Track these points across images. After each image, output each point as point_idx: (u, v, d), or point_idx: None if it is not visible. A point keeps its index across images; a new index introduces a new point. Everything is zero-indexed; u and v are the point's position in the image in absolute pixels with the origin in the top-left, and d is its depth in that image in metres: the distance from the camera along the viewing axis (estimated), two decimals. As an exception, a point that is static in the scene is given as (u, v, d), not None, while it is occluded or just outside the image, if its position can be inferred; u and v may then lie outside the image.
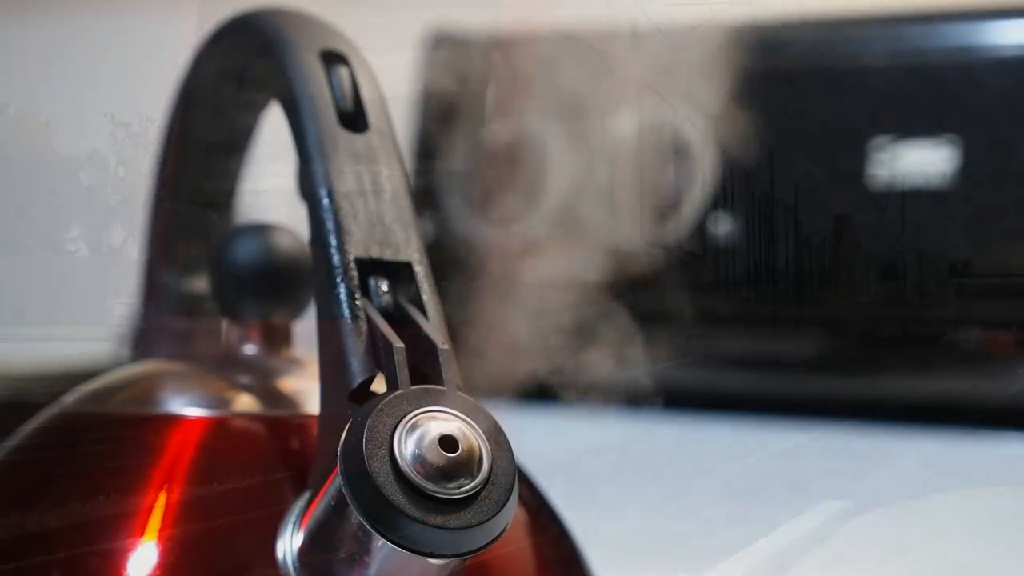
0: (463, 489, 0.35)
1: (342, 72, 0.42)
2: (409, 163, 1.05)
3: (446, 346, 0.38)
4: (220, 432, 0.43)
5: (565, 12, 1.00)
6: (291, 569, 0.39)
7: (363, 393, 0.38)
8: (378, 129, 0.42)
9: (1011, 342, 0.86)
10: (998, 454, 0.84)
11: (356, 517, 0.35)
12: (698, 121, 0.93)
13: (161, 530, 0.40)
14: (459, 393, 0.37)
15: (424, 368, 0.38)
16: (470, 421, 0.36)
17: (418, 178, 1.01)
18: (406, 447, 0.35)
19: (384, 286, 0.40)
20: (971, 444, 0.84)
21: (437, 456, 0.35)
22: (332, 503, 0.36)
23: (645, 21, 0.96)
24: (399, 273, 0.40)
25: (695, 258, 0.92)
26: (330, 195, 0.40)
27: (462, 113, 1.00)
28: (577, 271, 0.95)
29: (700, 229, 0.92)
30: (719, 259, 0.91)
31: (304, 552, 0.38)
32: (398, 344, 0.38)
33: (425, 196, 1.00)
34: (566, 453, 0.82)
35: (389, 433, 0.35)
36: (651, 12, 0.96)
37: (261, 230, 0.47)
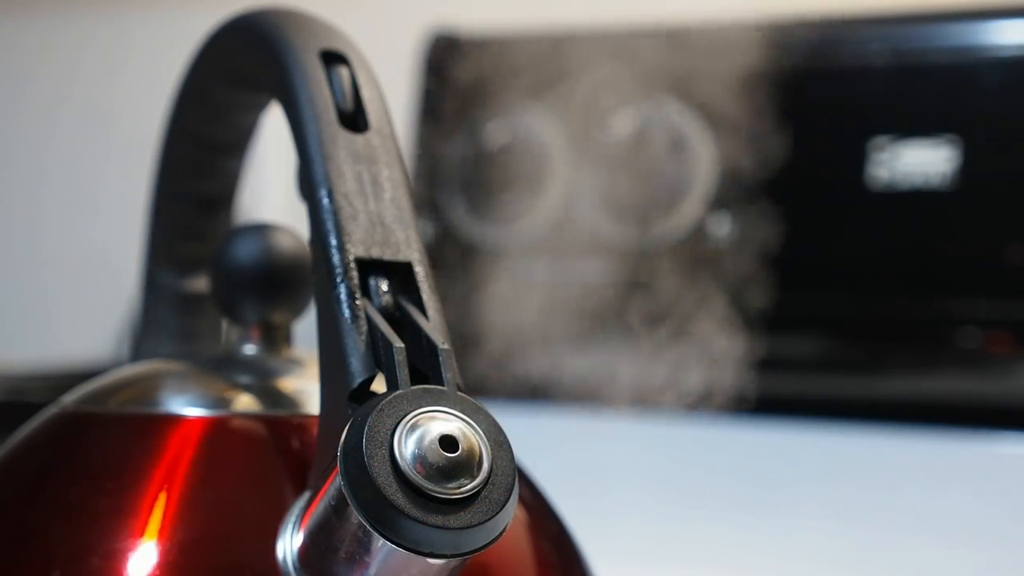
0: (463, 489, 0.35)
1: (342, 72, 0.42)
2: (409, 163, 1.05)
3: (446, 346, 0.38)
4: (220, 432, 0.43)
5: (565, 11, 1.00)
6: (291, 569, 0.39)
7: (363, 393, 0.38)
8: (378, 129, 0.42)
9: (1011, 342, 0.86)
10: (998, 454, 0.84)
11: (356, 517, 0.35)
12: (699, 120, 0.93)
13: (161, 530, 0.40)
14: (459, 393, 0.37)
15: (424, 368, 0.38)
16: (470, 421, 0.36)
17: (418, 178, 1.01)
18: (406, 447, 0.35)
19: (384, 286, 0.40)
20: (971, 444, 0.84)
21: (437, 456, 0.35)
22: (332, 503, 0.36)
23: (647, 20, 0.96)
24: (399, 273, 0.40)
25: (693, 257, 0.91)
26: (330, 195, 0.40)
27: (462, 113, 1.00)
28: (577, 271, 0.95)
29: (700, 228, 0.92)
30: (718, 258, 0.91)
31: (304, 552, 0.38)
32: (398, 344, 0.38)
33: (425, 196, 1.00)
34: (566, 453, 0.82)
35: (389, 433, 0.35)
36: (652, 11, 0.96)
37: (261, 230, 0.47)
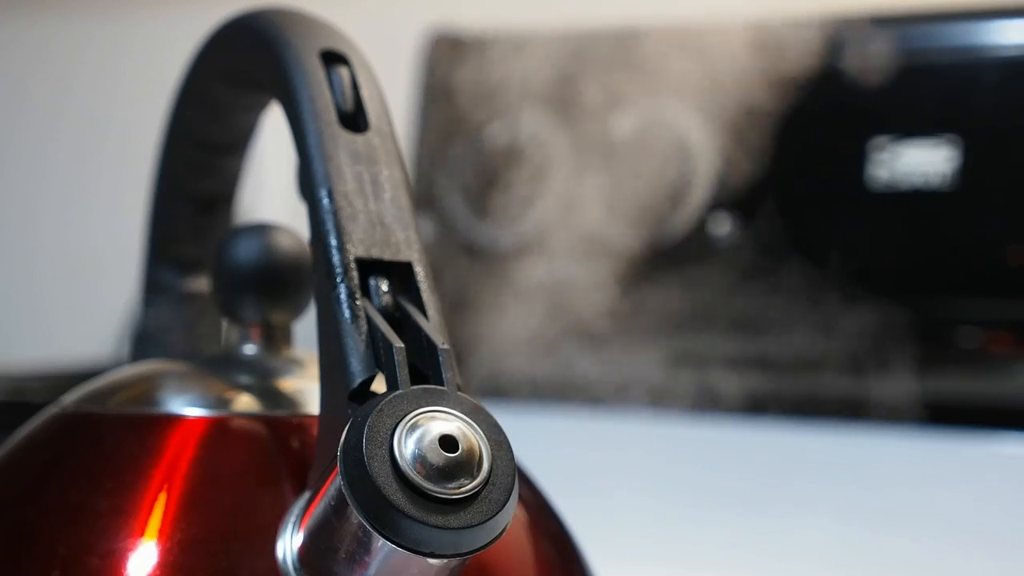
0: (463, 489, 0.35)
1: (342, 72, 0.42)
2: (409, 163, 1.05)
3: (446, 346, 0.38)
4: (220, 432, 0.43)
5: (566, 11, 1.00)
6: (291, 569, 0.39)
7: (363, 393, 0.38)
8: (378, 129, 0.42)
9: (1011, 342, 0.86)
10: (998, 454, 0.84)
11: (356, 517, 0.35)
12: (700, 120, 0.93)
13: (161, 530, 0.40)
14: (459, 393, 0.37)
15: (424, 368, 0.38)
16: (470, 421, 0.36)
17: (418, 178, 1.01)
18: (406, 447, 0.35)
19: (384, 286, 0.40)
20: (971, 444, 0.84)
21: (437, 456, 0.35)
22: (332, 503, 0.36)
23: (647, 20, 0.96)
24: (399, 273, 0.40)
25: (693, 257, 0.91)
26: (330, 195, 0.40)
27: (462, 113, 1.00)
28: (577, 272, 0.95)
29: (700, 228, 0.92)
30: (718, 258, 0.91)
31: (304, 552, 0.38)
32: (398, 344, 0.38)
33: (425, 196, 1.00)
34: (566, 453, 0.82)
35: (389, 433, 0.35)
36: (653, 11, 0.96)
37: (261, 230, 0.47)
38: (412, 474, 0.35)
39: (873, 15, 0.93)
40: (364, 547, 0.36)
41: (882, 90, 0.90)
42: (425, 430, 0.35)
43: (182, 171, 0.53)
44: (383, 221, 0.40)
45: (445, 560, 0.35)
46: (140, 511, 0.41)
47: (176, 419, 0.43)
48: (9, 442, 0.46)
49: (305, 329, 0.45)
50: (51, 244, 1.29)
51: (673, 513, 0.85)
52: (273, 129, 0.50)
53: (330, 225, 0.40)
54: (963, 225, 0.88)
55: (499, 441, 0.36)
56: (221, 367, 0.46)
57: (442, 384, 0.38)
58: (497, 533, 0.36)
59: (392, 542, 0.35)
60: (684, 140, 0.93)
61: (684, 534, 0.83)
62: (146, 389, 0.46)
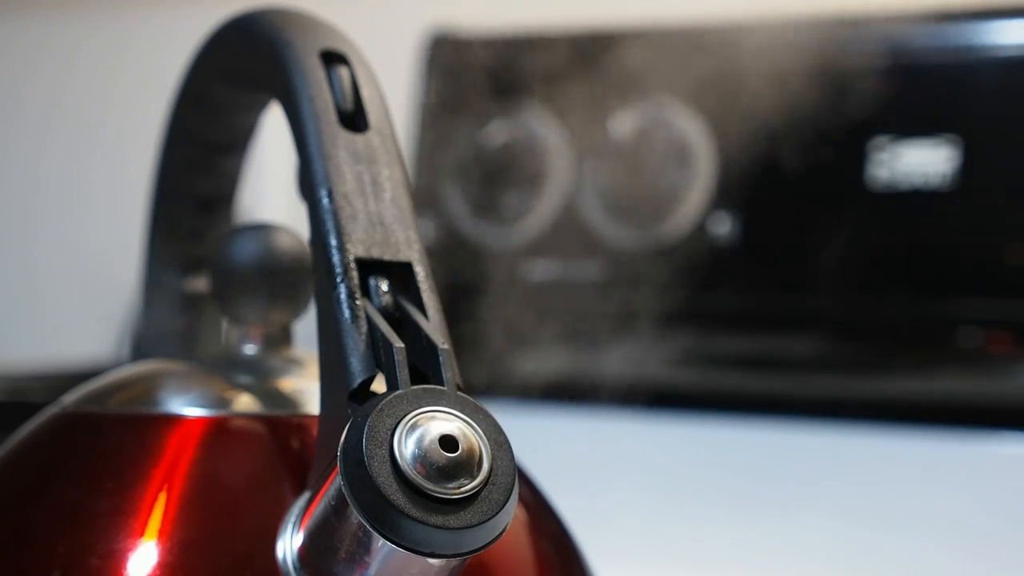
0: (463, 489, 0.35)
1: (342, 72, 0.42)
2: (409, 163, 1.05)
3: (446, 346, 0.38)
4: (220, 432, 0.43)
5: (566, 11, 1.00)
6: (291, 569, 0.39)
7: (363, 393, 0.38)
8: (378, 129, 0.42)
9: (1011, 342, 0.86)
10: (998, 454, 0.84)
11: (356, 517, 0.35)
12: (699, 120, 0.93)
13: (161, 530, 0.40)
14: (459, 393, 0.37)
15: (424, 368, 0.38)
16: (470, 421, 0.36)
17: (418, 178, 1.01)
18: (406, 447, 0.35)
19: (384, 286, 0.40)
20: (971, 444, 0.84)
21: (437, 456, 0.35)
22: (332, 503, 0.36)
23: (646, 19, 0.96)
24: (399, 273, 0.40)
25: (693, 257, 0.91)
26: (330, 195, 0.40)
27: (462, 113, 1.00)
28: (577, 271, 0.95)
29: (699, 228, 0.92)
30: (718, 258, 0.91)
31: (304, 552, 0.38)
32: (398, 344, 0.38)
33: (426, 196, 1.00)
34: (565, 452, 0.82)
35: (389, 433, 0.35)
36: (652, 11, 0.96)
37: (261, 230, 0.47)
38: (412, 474, 0.35)
39: (873, 15, 0.93)
40: (364, 547, 0.36)
41: (882, 90, 0.90)
42: (425, 430, 0.35)
43: (182, 171, 0.53)
44: (383, 221, 0.40)
45: (445, 560, 0.35)
46: (140, 511, 0.41)
47: (176, 419, 0.43)
48: (9, 442, 0.46)
49: (305, 329, 0.45)
50: (51, 244, 1.29)
51: (673, 513, 0.85)
52: (273, 129, 0.50)
53: (330, 225, 0.40)
54: (963, 225, 0.88)
55: (499, 441, 0.36)
56: (221, 367, 0.46)
57: (442, 384, 0.38)
58: (497, 533, 0.36)
59: (392, 542, 0.35)
60: (683, 140, 0.93)
61: (684, 534, 0.83)
62: (146, 389, 0.46)
